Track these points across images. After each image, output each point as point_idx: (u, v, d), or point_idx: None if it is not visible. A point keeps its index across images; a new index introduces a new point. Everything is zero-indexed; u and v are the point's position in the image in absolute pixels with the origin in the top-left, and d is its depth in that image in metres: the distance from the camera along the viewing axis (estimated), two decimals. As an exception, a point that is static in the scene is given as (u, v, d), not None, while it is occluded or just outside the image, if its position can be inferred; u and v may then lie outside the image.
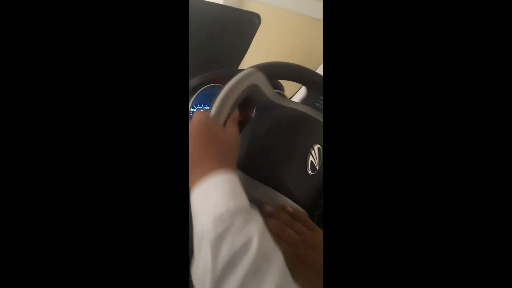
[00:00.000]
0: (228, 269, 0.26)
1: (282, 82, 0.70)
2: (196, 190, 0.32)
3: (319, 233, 0.40)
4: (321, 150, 0.46)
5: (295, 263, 0.34)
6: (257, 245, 0.27)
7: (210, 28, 0.58)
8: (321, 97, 0.56)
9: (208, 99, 0.61)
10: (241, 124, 0.44)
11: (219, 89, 0.41)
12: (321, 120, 0.47)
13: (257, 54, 0.75)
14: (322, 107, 0.57)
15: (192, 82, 0.57)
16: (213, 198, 0.30)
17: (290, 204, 0.43)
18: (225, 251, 0.27)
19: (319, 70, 0.81)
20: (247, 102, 0.47)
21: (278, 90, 0.66)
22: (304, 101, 0.59)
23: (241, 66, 0.75)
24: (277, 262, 0.28)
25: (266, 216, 0.38)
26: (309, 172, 0.44)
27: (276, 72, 0.46)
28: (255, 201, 0.34)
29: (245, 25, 0.62)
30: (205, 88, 0.58)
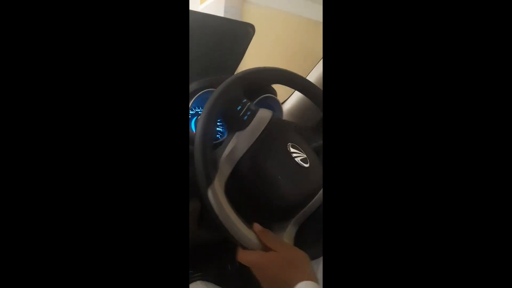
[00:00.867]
0: None
1: (275, 86, 0.74)
2: None
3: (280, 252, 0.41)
4: (296, 145, 0.50)
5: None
6: None
7: (208, 37, 0.63)
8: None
9: (205, 102, 0.65)
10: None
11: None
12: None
13: (257, 55, 0.80)
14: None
15: (192, 86, 0.62)
16: None
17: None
18: None
19: (317, 68, 0.84)
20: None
21: (269, 94, 0.70)
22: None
23: (237, 72, 0.79)
24: None
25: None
26: (305, 165, 0.49)
27: (256, 78, 0.49)
28: None
29: (241, 35, 0.66)
30: (203, 92, 0.63)
